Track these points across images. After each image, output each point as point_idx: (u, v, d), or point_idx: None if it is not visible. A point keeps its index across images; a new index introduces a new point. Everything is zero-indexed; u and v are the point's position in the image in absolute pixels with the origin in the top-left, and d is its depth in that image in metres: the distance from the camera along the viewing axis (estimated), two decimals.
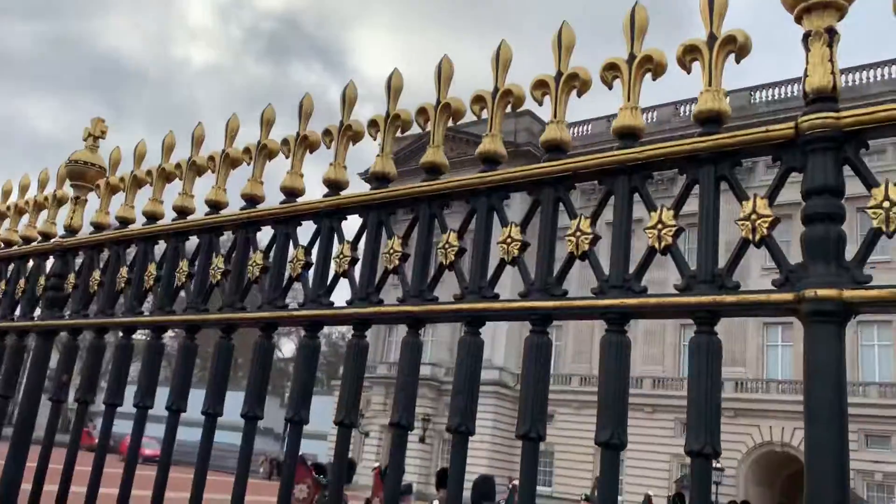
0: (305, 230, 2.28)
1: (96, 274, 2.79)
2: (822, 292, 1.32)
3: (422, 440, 45.39)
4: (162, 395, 2.31)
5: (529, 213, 1.82)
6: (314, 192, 2.21)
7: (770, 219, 1.43)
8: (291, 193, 2.29)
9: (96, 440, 2.40)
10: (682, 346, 42.52)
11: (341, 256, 2.10)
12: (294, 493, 9.40)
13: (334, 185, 2.17)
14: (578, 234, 1.67)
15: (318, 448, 48.48)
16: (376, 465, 9.98)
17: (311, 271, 2.18)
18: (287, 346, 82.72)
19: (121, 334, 2.62)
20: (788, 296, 1.37)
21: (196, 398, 2.15)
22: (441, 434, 48.06)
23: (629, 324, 1.61)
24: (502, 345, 46.27)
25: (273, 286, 2.24)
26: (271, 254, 2.28)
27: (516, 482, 10.10)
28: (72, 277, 2.92)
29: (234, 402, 2.04)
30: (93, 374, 2.68)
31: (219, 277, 2.37)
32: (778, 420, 38.02)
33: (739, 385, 39.74)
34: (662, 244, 1.55)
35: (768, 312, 1.43)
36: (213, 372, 2.32)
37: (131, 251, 2.76)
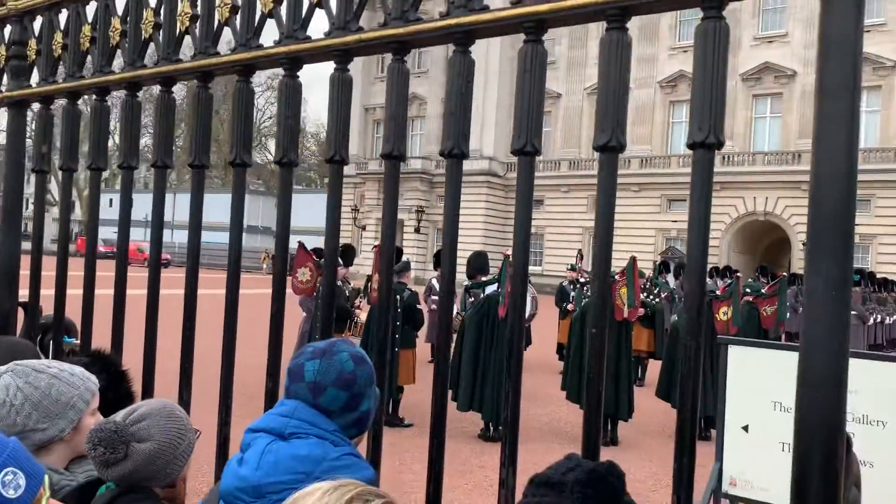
0: None
1: (58, 36, 2.60)
2: None
3: (417, 230, 46.65)
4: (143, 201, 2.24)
5: None
6: None
7: None
8: None
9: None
10: (670, 122, 42.52)
11: None
12: (297, 276, 9.75)
13: None
14: None
15: (319, 242, 49.73)
16: (376, 244, 10.25)
17: (284, 6, 2.02)
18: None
19: (94, 97, 2.49)
20: None
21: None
22: (435, 224, 49.30)
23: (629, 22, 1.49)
24: (491, 134, 46.03)
25: (245, 27, 2.09)
26: None
27: (508, 251, 10.46)
28: (33, 43, 2.72)
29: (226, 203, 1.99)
30: (73, 140, 2.59)
31: (187, 24, 2.20)
32: (762, 191, 38.85)
33: (726, 159, 40.11)
34: None
35: None
36: (195, 126, 2.23)
37: (90, 8, 2.55)
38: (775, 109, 39.92)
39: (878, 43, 36.80)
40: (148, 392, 2.31)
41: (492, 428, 8.53)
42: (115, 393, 2.11)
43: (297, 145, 2.01)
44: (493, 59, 45.62)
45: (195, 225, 2.21)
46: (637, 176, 42.21)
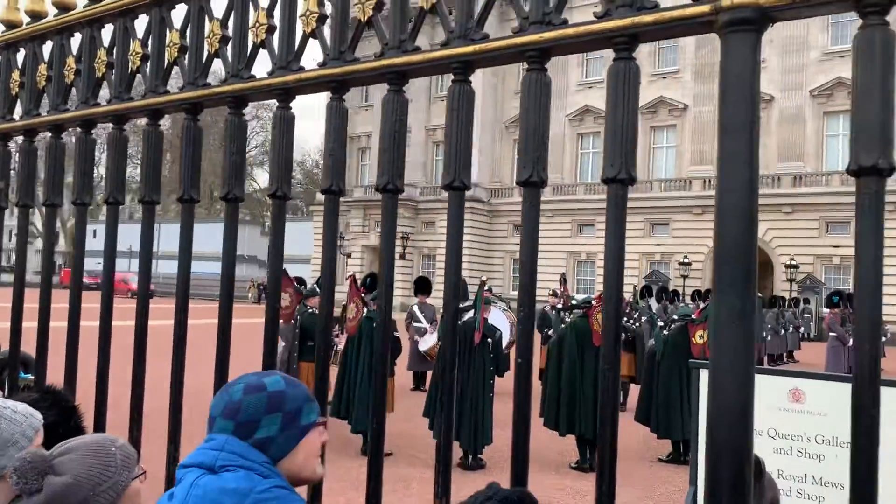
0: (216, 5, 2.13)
1: (42, 68, 2.59)
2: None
3: (402, 257, 46.72)
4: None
5: None
6: None
7: None
8: None
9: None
10: (579, 153, 44.88)
11: (257, 25, 1.98)
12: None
13: None
14: None
15: (303, 271, 49.80)
16: (350, 273, 10.29)
17: (230, 46, 2.07)
18: (262, 177, 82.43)
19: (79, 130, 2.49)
20: (706, 7, 1.31)
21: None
22: (420, 250, 49.45)
23: (550, 63, 1.55)
24: (475, 161, 46.46)
25: (193, 66, 2.13)
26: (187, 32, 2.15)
27: (484, 278, 10.47)
28: (16, 75, 2.72)
29: (216, 232, 1.98)
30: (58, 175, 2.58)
31: (138, 63, 2.24)
32: None
33: (707, 183, 40.55)
34: None
35: (687, 29, 1.38)
36: (144, 161, 2.26)
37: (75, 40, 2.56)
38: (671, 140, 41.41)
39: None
40: (99, 426, 2.31)
41: (471, 456, 8.51)
42: (64, 428, 2.11)
43: (243, 182, 2.04)
44: (477, 86, 46.05)
45: (185, 262, 2.16)
46: (549, 202, 42.92)
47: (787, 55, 39.41)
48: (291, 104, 1.96)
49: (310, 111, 52.60)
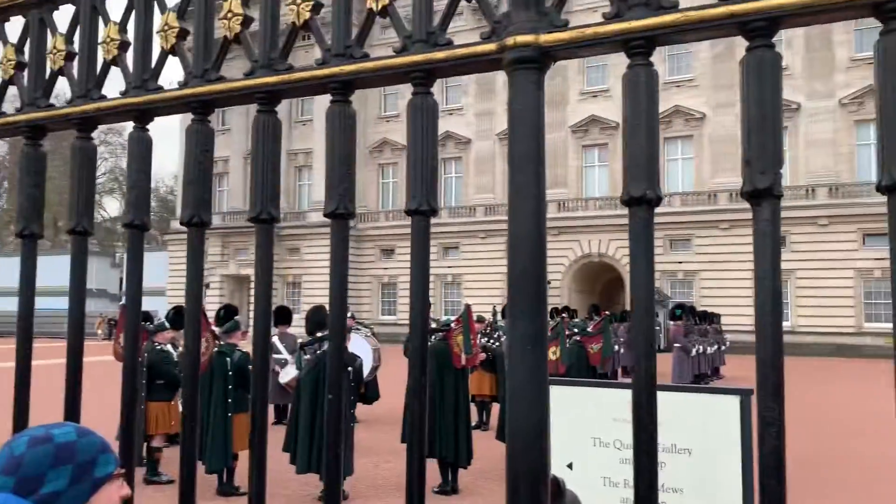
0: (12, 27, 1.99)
1: None
2: (520, 38, 1.32)
3: None
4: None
5: None
6: None
7: None
8: None
9: None
10: (583, 166, 44.65)
11: (55, 52, 1.86)
12: (121, 341, 9.17)
13: None
14: (299, 1, 1.56)
15: (157, 304, 47.34)
16: (122, 302, 9.89)
17: (26, 73, 1.94)
18: (111, 205, 77.90)
19: None
20: (492, 46, 1.37)
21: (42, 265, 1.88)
22: (284, 278, 48.35)
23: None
24: None
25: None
26: None
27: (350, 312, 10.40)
28: None
29: (63, 265, 1.80)
30: None
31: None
32: (596, 234, 41.38)
33: (562, 205, 42.45)
34: (380, 5, 1.48)
35: (478, 66, 1.43)
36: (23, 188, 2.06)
37: None
38: (603, 158, 42.98)
39: (690, 97, 40.72)
40: None
41: None
42: None
43: (41, 215, 1.91)
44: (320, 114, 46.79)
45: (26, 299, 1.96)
46: (483, 223, 43.70)
47: None
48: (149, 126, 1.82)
49: (168, 134, 50.43)
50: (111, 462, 1.49)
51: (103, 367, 9.39)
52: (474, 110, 46.41)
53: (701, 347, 20.13)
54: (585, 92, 43.57)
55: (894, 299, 1.10)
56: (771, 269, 1.18)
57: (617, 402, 5.32)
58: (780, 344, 1.17)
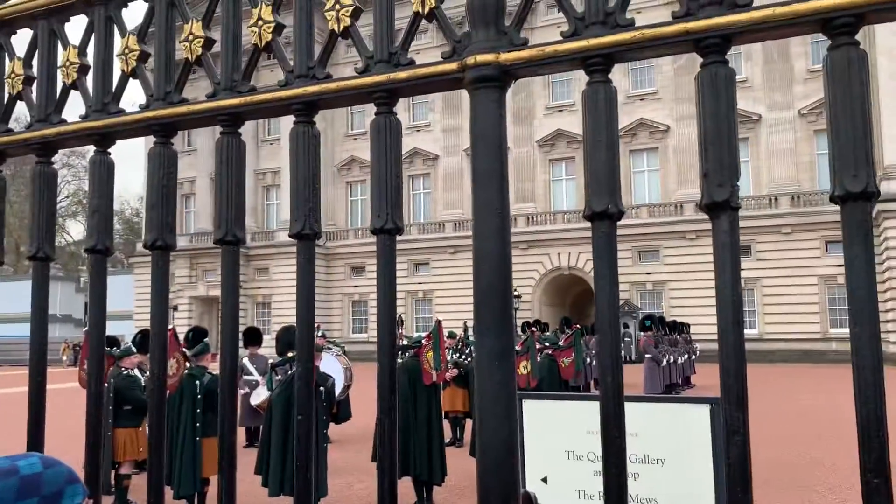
0: None
1: None
2: (480, 58, 1.34)
3: None
4: None
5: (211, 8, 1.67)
6: None
7: None
8: None
9: None
10: (551, 180, 44.68)
11: (13, 77, 1.84)
12: (85, 368, 9.00)
13: None
14: (260, 23, 1.56)
15: (124, 328, 46.55)
16: (170, 326, 9.72)
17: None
18: (74, 229, 76.66)
19: None
20: (453, 65, 1.38)
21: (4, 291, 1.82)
22: (253, 298, 47.89)
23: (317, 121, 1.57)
24: None
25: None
26: None
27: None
28: None
29: (25, 291, 1.75)
30: None
31: None
32: (565, 247, 41.67)
33: (531, 219, 42.70)
34: (341, 26, 1.49)
35: (440, 85, 1.44)
36: None
37: None
38: (570, 172, 43.37)
39: (653, 109, 41.33)
40: None
41: None
42: None
43: (112, 231, 1.87)
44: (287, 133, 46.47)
45: None
46: (452, 238, 43.75)
47: None
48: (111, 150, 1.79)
49: (133, 155, 49.86)
50: (79, 493, 1.45)
51: (68, 393, 9.19)
52: (441, 126, 46.55)
53: (671, 357, 20.31)
54: (551, 107, 44.00)
55: (849, 304, 1.13)
56: (731, 279, 1.20)
57: (589, 415, 5.33)
58: (742, 354, 1.19)
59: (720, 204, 1.21)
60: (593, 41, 1.28)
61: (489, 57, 1.34)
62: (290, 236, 1.54)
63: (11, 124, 1.91)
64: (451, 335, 13.31)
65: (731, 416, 1.19)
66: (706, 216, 1.25)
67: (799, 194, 38.05)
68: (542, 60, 1.33)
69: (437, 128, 46.89)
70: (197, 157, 50.43)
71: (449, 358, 12.71)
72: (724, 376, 1.19)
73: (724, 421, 1.20)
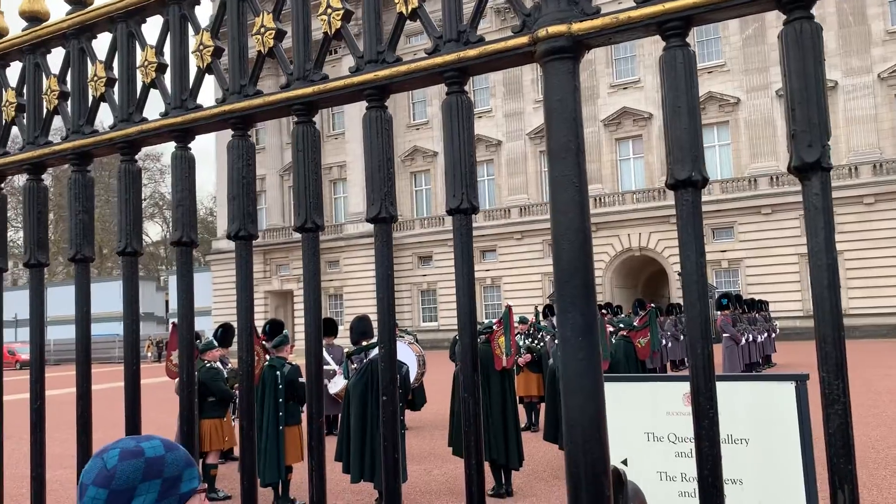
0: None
1: None
2: (552, 29, 1.32)
3: None
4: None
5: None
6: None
7: None
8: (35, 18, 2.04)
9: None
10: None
11: (96, 79, 1.92)
12: (172, 359, 9.37)
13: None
14: (329, 11, 1.58)
15: (204, 324, 48.21)
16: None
17: (70, 101, 1.99)
18: (152, 230, 79.59)
19: None
20: (525, 39, 1.37)
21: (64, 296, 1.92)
22: (326, 291, 48.90)
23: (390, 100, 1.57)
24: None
25: (32, 124, 2.04)
26: (24, 89, 2.06)
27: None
28: None
29: (109, 291, 1.85)
30: None
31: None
32: (636, 227, 40.92)
33: (598, 200, 42.07)
34: (409, 8, 1.49)
35: (510, 61, 1.43)
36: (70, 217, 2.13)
37: None
38: (637, 150, 42.49)
39: (722, 82, 40.06)
40: None
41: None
42: None
43: (92, 240, 1.96)
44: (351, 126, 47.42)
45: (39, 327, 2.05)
46: (518, 224, 43.57)
47: None
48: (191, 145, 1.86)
49: (203, 157, 51.41)
50: (195, 477, 1.51)
51: (152, 388, 9.54)
52: (503, 111, 46.27)
53: (751, 336, 19.75)
54: (616, 84, 43.18)
55: None
56: (825, 243, 1.15)
57: (672, 396, 5.23)
58: (839, 319, 1.15)
59: (811, 165, 1.16)
60: (670, 4, 1.24)
61: (561, 28, 1.31)
62: (366, 220, 1.56)
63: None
64: (523, 320, 13.26)
65: (829, 384, 1.14)
66: (781, 189, 1.20)
67: (881, 162, 36.31)
68: (616, 28, 1.30)
69: (499, 113, 46.62)
70: (265, 154, 51.61)
71: (521, 343, 12.68)
72: (821, 343, 1.15)
73: (822, 390, 1.15)
